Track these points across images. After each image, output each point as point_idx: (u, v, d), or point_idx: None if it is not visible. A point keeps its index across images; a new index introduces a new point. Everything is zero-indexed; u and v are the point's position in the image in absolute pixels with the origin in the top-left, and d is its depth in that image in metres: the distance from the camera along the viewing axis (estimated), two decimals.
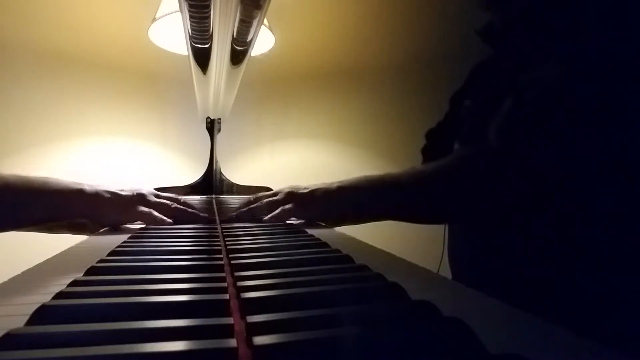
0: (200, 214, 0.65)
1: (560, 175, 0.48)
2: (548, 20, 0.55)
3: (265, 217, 0.63)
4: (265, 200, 0.66)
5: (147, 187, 0.65)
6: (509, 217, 0.55)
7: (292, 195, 0.65)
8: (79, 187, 0.56)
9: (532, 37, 0.56)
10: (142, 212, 0.60)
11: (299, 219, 0.66)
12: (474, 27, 0.63)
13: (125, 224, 0.62)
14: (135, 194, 0.61)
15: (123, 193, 0.60)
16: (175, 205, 0.64)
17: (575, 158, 0.47)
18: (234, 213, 0.68)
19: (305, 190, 0.64)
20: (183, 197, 0.70)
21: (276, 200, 0.65)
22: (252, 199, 0.70)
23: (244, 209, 0.67)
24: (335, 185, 0.62)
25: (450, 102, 0.70)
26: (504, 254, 0.56)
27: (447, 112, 0.70)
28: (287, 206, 0.63)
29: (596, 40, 0.48)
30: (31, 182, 0.53)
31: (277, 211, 0.63)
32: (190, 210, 0.65)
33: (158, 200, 0.63)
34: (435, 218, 0.66)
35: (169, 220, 0.61)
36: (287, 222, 0.64)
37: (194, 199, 1.09)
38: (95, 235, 0.56)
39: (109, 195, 0.58)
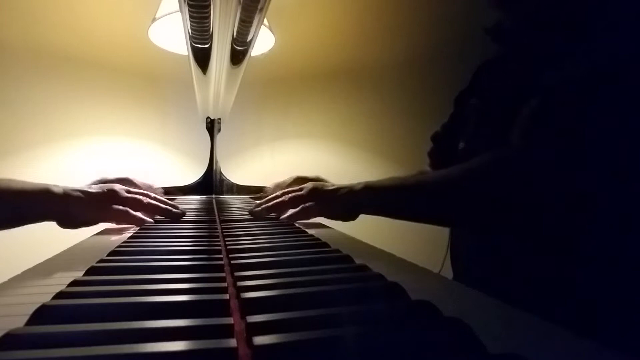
0: (173, 210, 0.64)
1: (569, 178, 0.47)
2: (559, 19, 0.54)
3: (284, 216, 0.63)
4: (289, 196, 0.65)
5: (116, 184, 0.63)
6: (515, 219, 0.54)
7: (315, 192, 0.63)
8: (45, 186, 0.55)
9: (543, 36, 0.56)
10: (118, 211, 0.58)
11: (319, 216, 0.65)
12: (483, 25, 0.62)
13: (100, 223, 0.60)
14: (105, 190, 0.60)
15: (92, 190, 0.59)
16: (148, 200, 0.62)
17: (588, 161, 0.46)
18: (258, 208, 0.67)
19: (329, 188, 0.63)
20: (154, 193, 0.68)
21: (300, 195, 0.64)
22: (277, 194, 0.69)
23: (270, 204, 0.66)
24: (361, 185, 0.60)
25: (455, 102, 0.69)
26: (507, 255, 0.55)
27: (452, 112, 0.69)
28: (308, 204, 0.62)
29: (609, 39, 0.47)
30: None
31: (297, 209, 0.62)
32: (162, 205, 0.64)
33: (130, 195, 0.61)
34: (456, 223, 0.62)
35: (149, 219, 0.61)
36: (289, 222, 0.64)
37: (194, 199, 1.09)
38: (95, 235, 0.56)
39: (78, 193, 0.57)
